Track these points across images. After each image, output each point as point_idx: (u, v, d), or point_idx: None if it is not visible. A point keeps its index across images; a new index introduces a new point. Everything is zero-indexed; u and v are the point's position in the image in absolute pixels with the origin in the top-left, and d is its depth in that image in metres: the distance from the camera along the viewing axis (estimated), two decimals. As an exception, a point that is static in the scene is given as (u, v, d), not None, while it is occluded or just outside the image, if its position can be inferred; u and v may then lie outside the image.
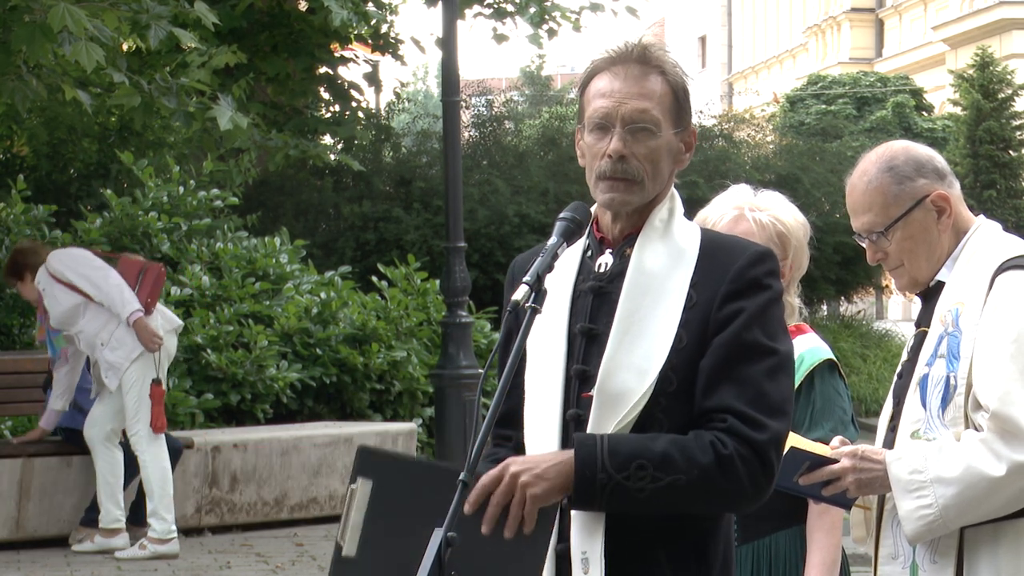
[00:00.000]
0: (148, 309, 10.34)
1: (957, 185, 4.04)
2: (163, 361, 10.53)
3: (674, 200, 3.48)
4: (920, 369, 3.92)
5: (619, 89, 3.41)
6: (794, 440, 3.85)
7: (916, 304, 4.11)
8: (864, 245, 4.04)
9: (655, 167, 3.41)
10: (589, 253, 3.48)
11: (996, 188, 34.52)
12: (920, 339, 3.99)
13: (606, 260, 3.46)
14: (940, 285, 3.99)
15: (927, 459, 3.79)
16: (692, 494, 3.25)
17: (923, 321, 4.02)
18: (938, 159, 4.04)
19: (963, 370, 3.82)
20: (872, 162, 4.02)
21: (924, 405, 3.88)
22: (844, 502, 3.93)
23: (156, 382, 10.35)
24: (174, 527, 10.39)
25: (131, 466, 10.62)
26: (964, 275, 3.94)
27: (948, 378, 3.85)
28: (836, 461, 3.85)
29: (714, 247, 3.42)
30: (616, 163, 3.39)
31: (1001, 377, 3.75)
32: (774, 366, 3.33)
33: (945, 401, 3.85)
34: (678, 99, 3.45)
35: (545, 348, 3.42)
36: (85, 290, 10.30)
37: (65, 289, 10.33)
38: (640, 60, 3.44)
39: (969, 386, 3.81)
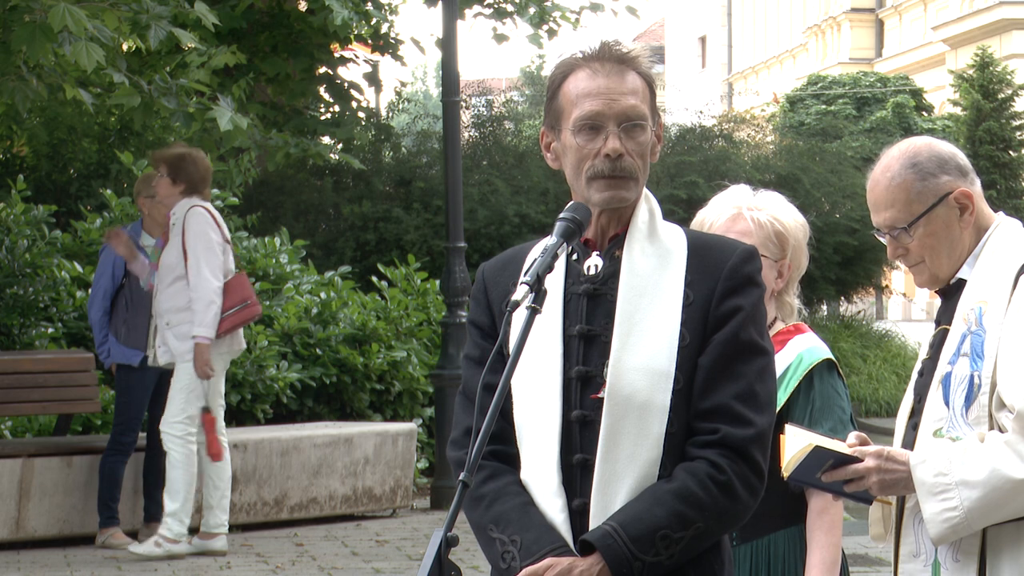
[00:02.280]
0: (220, 336, 10.22)
1: (979, 183, 4.04)
2: (219, 384, 10.43)
3: (651, 200, 3.52)
4: (942, 367, 3.92)
5: (606, 87, 3.43)
6: (818, 440, 3.86)
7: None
8: (884, 241, 4.04)
9: (644, 162, 3.46)
10: (575, 256, 3.50)
11: (996, 188, 34.50)
12: (941, 337, 3.99)
13: (595, 262, 3.48)
14: (960, 283, 3.98)
15: (951, 461, 3.79)
16: (711, 532, 3.36)
17: (943, 319, 4.02)
18: (960, 156, 4.03)
19: (987, 369, 3.82)
20: (895, 158, 4.01)
21: (947, 404, 3.88)
22: (866, 497, 3.94)
23: (205, 410, 10.27)
24: (186, 531, 10.37)
25: (151, 462, 10.71)
26: (986, 273, 3.93)
27: (972, 377, 3.85)
28: (860, 460, 3.85)
29: (702, 246, 3.47)
30: (614, 162, 3.41)
31: None
32: (764, 366, 3.42)
33: (969, 400, 3.85)
34: (652, 94, 3.49)
35: (538, 351, 3.42)
36: (189, 272, 10.18)
37: (179, 247, 10.20)
38: (616, 58, 3.46)
39: (993, 385, 3.81)
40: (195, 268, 10.16)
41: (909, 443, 3.97)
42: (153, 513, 10.81)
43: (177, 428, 10.25)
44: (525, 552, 3.34)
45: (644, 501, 3.32)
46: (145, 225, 10.77)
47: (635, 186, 3.44)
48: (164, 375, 10.68)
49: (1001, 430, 3.80)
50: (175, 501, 10.28)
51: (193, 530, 10.78)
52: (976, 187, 4.02)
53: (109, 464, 10.59)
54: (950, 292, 4.02)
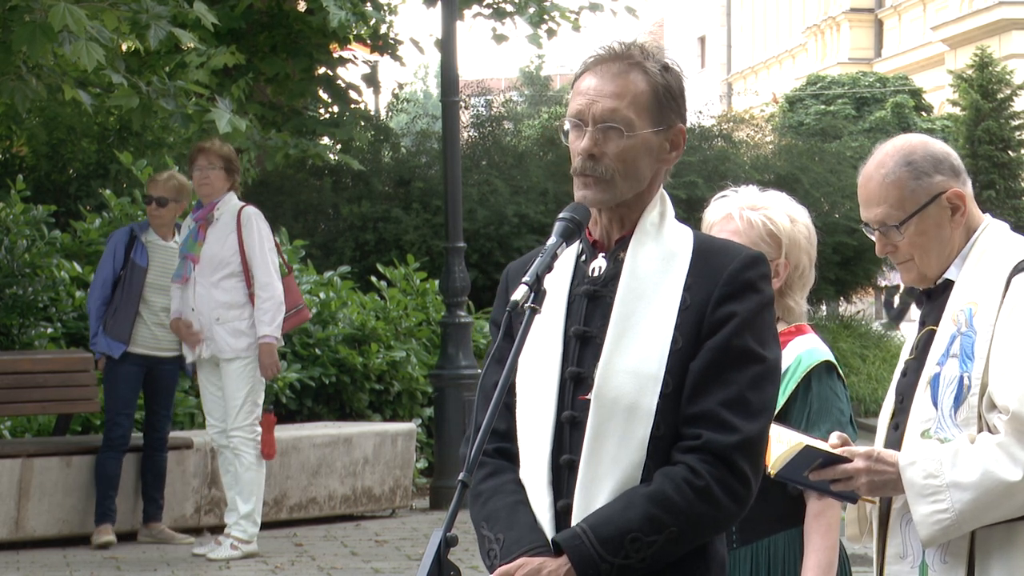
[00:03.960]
0: None
1: (970, 183, 4.03)
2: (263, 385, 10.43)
3: (664, 203, 3.49)
4: (930, 368, 3.91)
5: (594, 87, 3.42)
6: (806, 439, 3.86)
7: (916, 305, 4.11)
8: (872, 237, 4.03)
9: (628, 166, 3.41)
10: (583, 257, 3.50)
11: (995, 188, 34.52)
12: (927, 337, 3.98)
13: (599, 264, 3.47)
14: (947, 283, 3.98)
15: (942, 463, 3.78)
16: (687, 537, 3.32)
17: (929, 319, 4.01)
18: (954, 156, 4.01)
19: (978, 371, 3.81)
20: (889, 155, 3.99)
21: (935, 404, 3.87)
22: (851, 496, 3.93)
23: (268, 410, 10.29)
24: (257, 531, 10.38)
25: (148, 461, 10.69)
26: (976, 275, 3.93)
27: (962, 378, 3.83)
28: (849, 460, 3.84)
29: (706, 250, 3.44)
30: (587, 161, 3.41)
31: (1020, 379, 3.74)
32: (760, 374, 3.37)
33: (958, 401, 3.83)
34: (658, 97, 3.44)
35: (540, 350, 3.43)
36: (255, 272, 10.12)
37: (237, 244, 10.14)
38: (621, 58, 3.45)
39: (984, 387, 3.80)
40: (264, 269, 10.13)
41: (891, 443, 3.96)
42: (151, 514, 10.79)
43: (248, 431, 10.24)
44: (505, 551, 3.35)
45: (618, 503, 3.30)
46: (153, 225, 10.73)
47: (611, 188, 3.41)
48: (152, 370, 10.62)
49: (991, 431, 3.79)
50: (247, 503, 10.28)
51: (195, 531, 10.79)
52: (968, 188, 4.01)
53: (100, 461, 10.60)
54: (936, 292, 4.01)
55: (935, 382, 3.89)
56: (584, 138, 3.41)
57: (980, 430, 3.81)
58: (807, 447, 3.82)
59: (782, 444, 3.83)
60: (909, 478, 3.80)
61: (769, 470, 3.84)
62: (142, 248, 10.54)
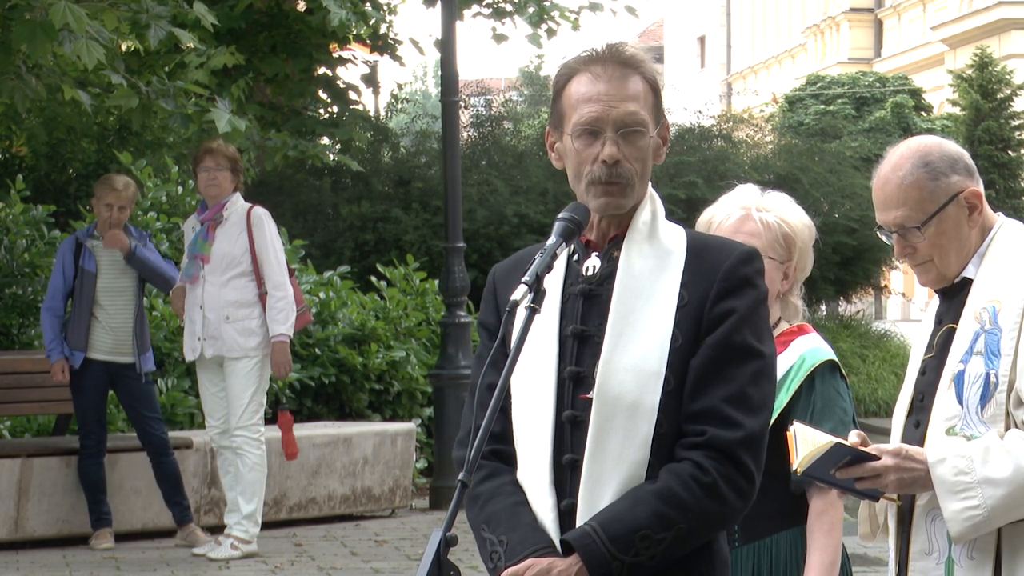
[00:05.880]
0: None
1: (982, 183, 4.05)
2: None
3: (655, 201, 3.51)
4: (953, 366, 3.92)
5: (605, 92, 3.41)
6: (832, 436, 3.86)
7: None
8: (887, 240, 4.03)
9: (644, 167, 3.44)
10: (575, 256, 3.50)
11: (995, 188, 34.47)
12: (947, 335, 3.98)
13: (593, 263, 3.48)
14: (964, 281, 3.99)
15: (972, 460, 3.79)
16: (695, 534, 3.33)
17: (947, 318, 4.02)
18: (967, 156, 4.04)
19: (1005, 367, 3.83)
20: (905, 156, 4.00)
21: (960, 402, 3.88)
22: (874, 494, 3.93)
23: (284, 409, 10.29)
24: (258, 531, 10.40)
25: (156, 469, 10.65)
26: (996, 272, 3.94)
27: (988, 375, 3.85)
28: (878, 458, 3.84)
29: (701, 247, 3.45)
30: (611, 168, 3.40)
31: None
32: (759, 369, 3.39)
33: (984, 398, 3.85)
34: (656, 95, 3.47)
35: (535, 350, 3.42)
36: (267, 272, 10.18)
37: (247, 244, 10.18)
38: (619, 60, 3.44)
39: (1011, 383, 3.82)
40: (276, 268, 10.21)
41: (912, 441, 3.97)
42: (179, 516, 10.68)
43: (254, 430, 10.27)
44: (510, 552, 3.35)
45: (626, 501, 3.31)
46: (101, 229, 10.63)
47: (632, 192, 3.43)
48: (119, 378, 10.55)
49: (1018, 427, 3.81)
50: (250, 503, 10.30)
51: (218, 529, 10.79)
52: (981, 187, 4.04)
53: (82, 469, 10.62)
54: (953, 291, 4.03)
55: (959, 379, 3.89)
56: (605, 145, 3.40)
57: (1008, 427, 3.83)
58: (837, 444, 3.82)
59: (807, 444, 3.83)
60: (939, 475, 3.81)
61: (795, 468, 3.84)
62: (89, 253, 10.52)
